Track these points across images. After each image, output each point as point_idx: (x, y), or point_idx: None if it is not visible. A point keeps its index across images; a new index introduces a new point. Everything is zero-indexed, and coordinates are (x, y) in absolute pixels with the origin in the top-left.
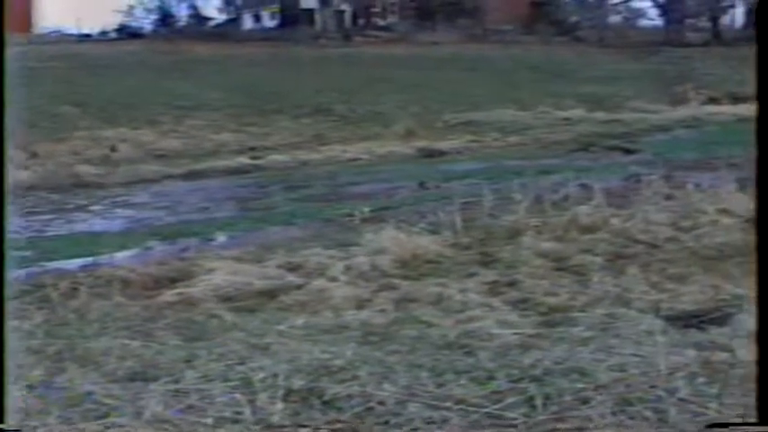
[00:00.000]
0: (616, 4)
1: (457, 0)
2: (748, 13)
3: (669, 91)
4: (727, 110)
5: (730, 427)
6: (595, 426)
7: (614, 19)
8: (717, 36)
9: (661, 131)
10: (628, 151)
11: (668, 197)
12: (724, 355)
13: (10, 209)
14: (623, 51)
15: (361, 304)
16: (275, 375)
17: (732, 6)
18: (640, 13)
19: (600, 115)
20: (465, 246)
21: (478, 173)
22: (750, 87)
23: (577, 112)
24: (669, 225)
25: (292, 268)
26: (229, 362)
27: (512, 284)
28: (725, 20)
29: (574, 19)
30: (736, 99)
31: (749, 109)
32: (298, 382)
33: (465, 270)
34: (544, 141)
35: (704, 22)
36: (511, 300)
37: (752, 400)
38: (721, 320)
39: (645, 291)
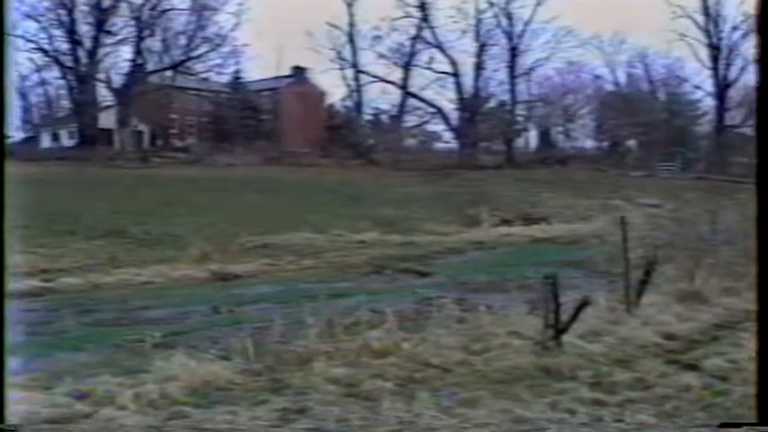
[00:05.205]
0: (411, 128)
1: (255, 123)
2: (542, 135)
3: (463, 213)
4: (519, 231)
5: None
6: None
7: (410, 142)
8: (510, 159)
9: (454, 254)
10: (421, 274)
11: (460, 320)
12: None
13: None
14: (418, 174)
15: None
16: None
17: (525, 130)
18: (435, 137)
19: (394, 238)
20: (256, 372)
21: (272, 297)
22: (542, 209)
23: (372, 235)
24: (460, 348)
25: (80, 396)
26: None
27: (302, 411)
28: (519, 143)
29: (370, 142)
30: (529, 221)
31: (541, 230)
32: None
33: (255, 397)
34: (338, 264)
35: (498, 145)
36: (301, 427)
37: None
38: None
39: (435, 416)
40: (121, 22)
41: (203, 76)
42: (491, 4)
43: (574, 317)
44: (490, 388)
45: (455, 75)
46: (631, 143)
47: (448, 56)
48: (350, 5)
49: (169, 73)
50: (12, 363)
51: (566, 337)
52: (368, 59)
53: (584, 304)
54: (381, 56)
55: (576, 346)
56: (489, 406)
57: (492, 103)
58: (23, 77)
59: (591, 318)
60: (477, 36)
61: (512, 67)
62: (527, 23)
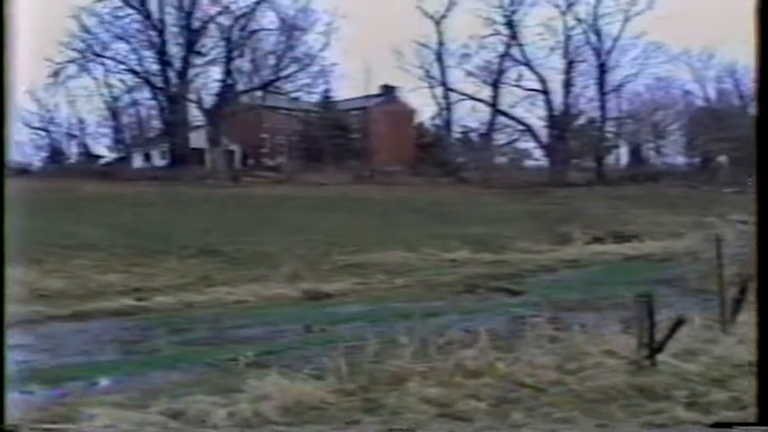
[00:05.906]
0: (502, 146)
1: (344, 141)
2: (632, 152)
3: (554, 231)
4: (611, 249)
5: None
6: None
7: (500, 160)
8: (601, 176)
9: (546, 272)
10: (513, 292)
11: (553, 339)
12: None
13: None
14: (508, 192)
15: None
16: None
17: (616, 147)
18: (526, 154)
19: (485, 256)
20: (350, 392)
21: (364, 316)
22: (634, 226)
23: (463, 254)
24: (554, 368)
25: (174, 415)
26: None
27: None
28: (609, 159)
29: (460, 160)
30: (620, 238)
31: (633, 248)
32: None
33: (349, 417)
34: (430, 283)
35: (589, 162)
36: None
37: None
38: None
39: None
40: (211, 43)
41: (293, 95)
42: (579, 21)
43: (669, 336)
44: (584, 407)
45: (544, 92)
46: (723, 159)
47: (537, 73)
48: (438, 24)
49: (259, 93)
50: (104, 382)
51: (660, 357)
52: (456, 77)
53: (679, 323)
54: (470, 74)
55: (671, 365)
56: (583, 426)
57: (582, 120)
58: (115, 98)
59: (686, 336)
60: (566, 53)
61: (601, 83)
62: (615, 40)
